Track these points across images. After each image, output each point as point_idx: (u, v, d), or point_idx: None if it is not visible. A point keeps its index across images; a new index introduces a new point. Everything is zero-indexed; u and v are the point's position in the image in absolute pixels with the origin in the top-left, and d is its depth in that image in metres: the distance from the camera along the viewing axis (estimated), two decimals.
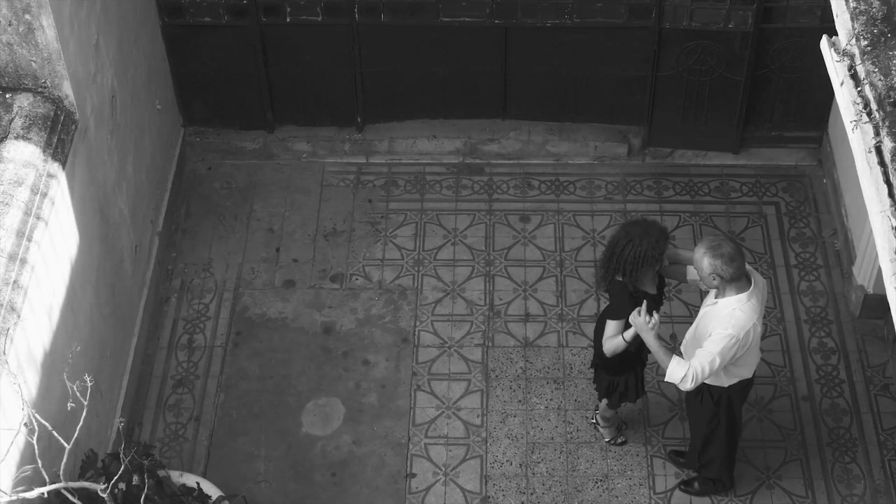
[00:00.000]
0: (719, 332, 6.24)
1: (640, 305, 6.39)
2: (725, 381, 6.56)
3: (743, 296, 6.24)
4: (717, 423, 6.78)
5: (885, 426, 7.54)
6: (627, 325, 6.51)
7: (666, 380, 6.41)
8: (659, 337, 6.41)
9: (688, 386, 6.33)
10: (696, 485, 7.28)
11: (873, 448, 7.45)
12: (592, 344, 7.22)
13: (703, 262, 6.19)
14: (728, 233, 8.54)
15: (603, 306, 8.04)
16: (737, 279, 6.20)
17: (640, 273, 6.47)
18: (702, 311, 6.50)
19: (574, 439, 7.51)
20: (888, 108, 4.71)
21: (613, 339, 6.60)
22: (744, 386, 6.66)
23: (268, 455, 7.48)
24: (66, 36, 6.44)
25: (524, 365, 7.86)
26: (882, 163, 4.65)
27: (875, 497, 7.24)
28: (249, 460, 7.45)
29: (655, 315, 6.34)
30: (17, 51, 6.32)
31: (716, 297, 6.36)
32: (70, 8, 6.52)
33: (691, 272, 6.66)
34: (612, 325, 6.60)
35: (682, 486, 7.31)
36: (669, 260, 6.68)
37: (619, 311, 6.56)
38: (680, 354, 6.52)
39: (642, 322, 6.33)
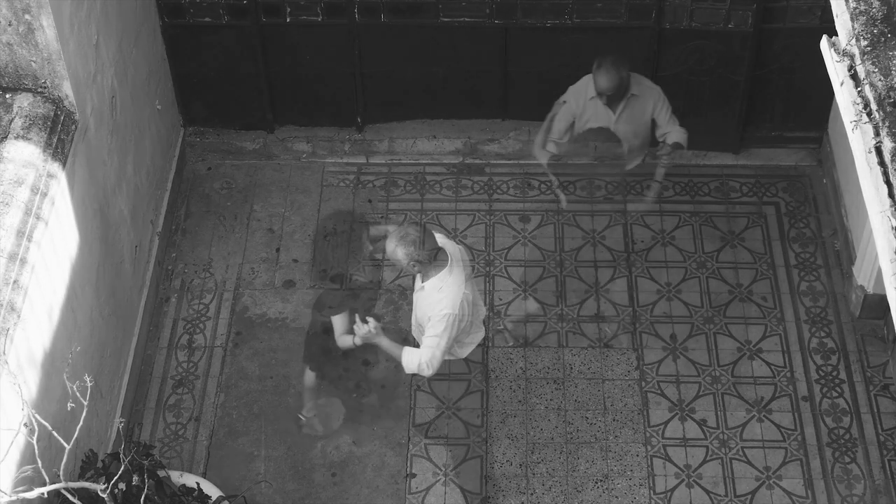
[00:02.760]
0: (436, 315, 6.39)
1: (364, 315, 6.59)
2: (462, 353, 6.77)
3: (443, 273, 6.39)
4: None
5: (885, 426, 7.54)
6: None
7: (407, 372, 6.59)
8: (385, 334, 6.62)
9: (426, 372, 6.47)
10: None
11: (873, 448, 7.45)
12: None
13: (397, 254, 6.29)
14: (728, 233, 8.54)
15: (603, 307, 8.05)
16: (433, 258, 6.33)
17: None
18: (414, 298, 6.69)
19: (574, 439, 7.51)
20: (888, 109, 4.71)
21: (343, 338, 6.82)
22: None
23: (268, 455, 7.47)
24: (66, 36, 6.44)
25: (524, 365, 7.86)
26: (882, 163, 4.64)
27: (875, 497, 7.24)
28: (249, 460, 7.45)
29: (370, 320, 6.48)
30: (17, 51, 6.32)
31: (422, 282, 6.49)
32: (70, 8, 6.52)
33: None
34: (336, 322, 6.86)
35: None
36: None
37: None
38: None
39: (366, 331, 6.50)
